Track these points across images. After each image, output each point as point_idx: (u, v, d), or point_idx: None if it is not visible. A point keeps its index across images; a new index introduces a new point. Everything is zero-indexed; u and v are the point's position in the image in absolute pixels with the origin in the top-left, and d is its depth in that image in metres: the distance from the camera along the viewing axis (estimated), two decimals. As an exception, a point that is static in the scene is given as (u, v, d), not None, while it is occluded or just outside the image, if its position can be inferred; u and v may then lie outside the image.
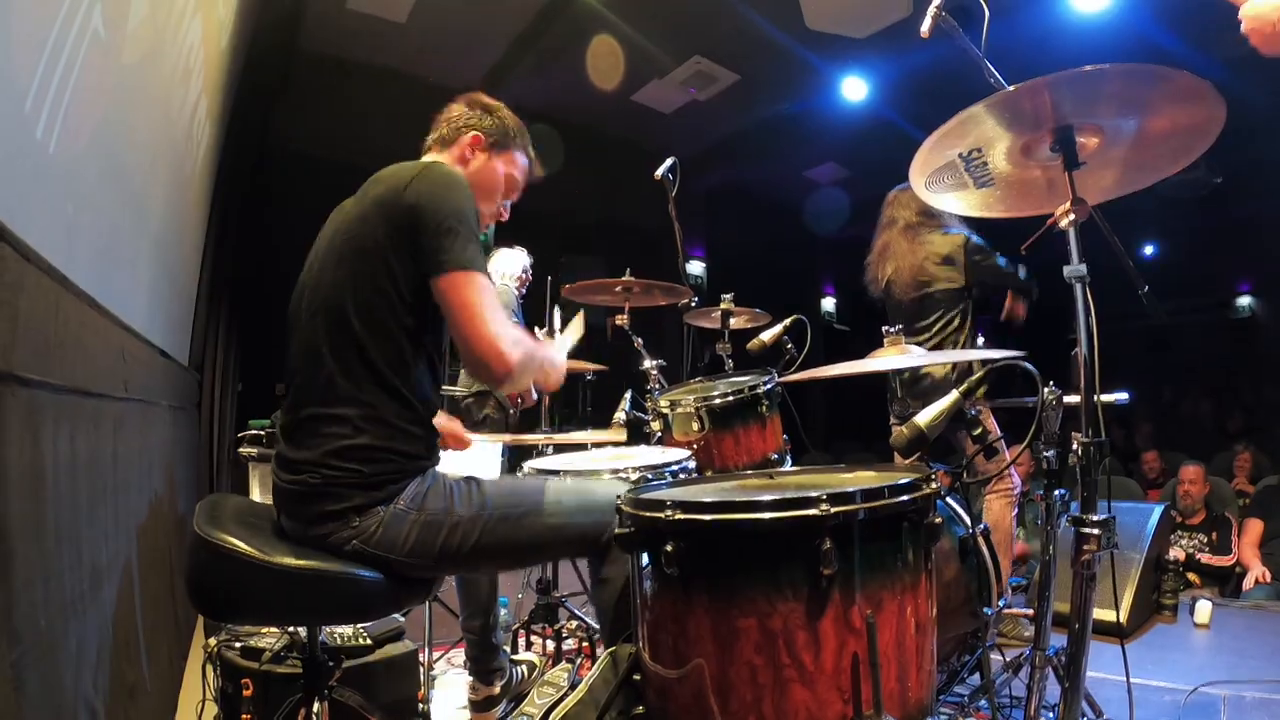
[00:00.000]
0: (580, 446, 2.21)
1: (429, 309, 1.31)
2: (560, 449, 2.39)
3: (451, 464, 1.47)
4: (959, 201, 1.65)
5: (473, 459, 1.88)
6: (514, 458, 2.27)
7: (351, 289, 1.28)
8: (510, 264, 3.60)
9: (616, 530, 1.09)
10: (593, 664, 1.25)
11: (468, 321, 1.25)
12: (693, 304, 2.71)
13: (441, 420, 1.78)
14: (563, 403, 4.11)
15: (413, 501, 1.27)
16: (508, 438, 2.19)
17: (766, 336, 2.34)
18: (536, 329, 2.37)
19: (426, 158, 1.50)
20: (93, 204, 1.46)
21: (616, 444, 2.17)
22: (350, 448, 1.25)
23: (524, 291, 3.64)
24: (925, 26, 1.66)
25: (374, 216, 1.30)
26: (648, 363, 2.38)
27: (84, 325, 1.37)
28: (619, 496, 1.13)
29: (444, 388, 2.11)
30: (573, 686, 1.25)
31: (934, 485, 1.04)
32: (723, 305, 2.51)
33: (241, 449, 2.88)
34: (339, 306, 1.28)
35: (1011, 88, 1.31)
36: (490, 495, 1.34)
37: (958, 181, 1.57)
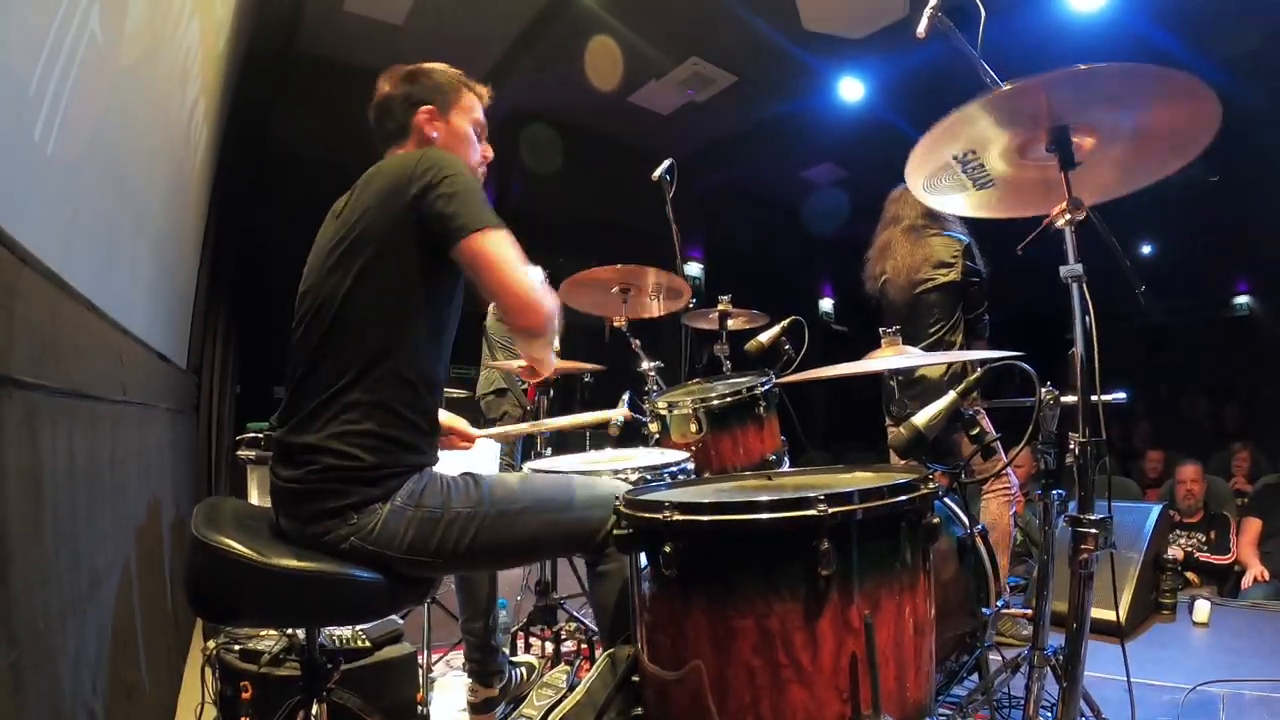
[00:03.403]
0: (580, 438, 2.20)
1: (440, 297, 1.32)
2: (559, 450, 2.39)
3: (447, 462, 1.47)
4: (960, 200, 1.64)
5: (469, 456, 1.88)
6: (519, 459, 2.27)
7: (361, 283, 1.28)
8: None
9: (615, 532, 1.09)
10: (591, 665, 1.25)
11: (502, 275, 1.25)
12: (690, 305, 2.71)
13: (446, 418, 1.78)
14: (561, 405, 4.12)
15: (410, 498, 1.27)
16: (512, 429, 2.17)
17: (764, 337, 2.34)
18: None
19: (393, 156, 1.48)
20: (90, 206, 1.46)
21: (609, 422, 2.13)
22: (353, 433, 1.25)
23: None
24: (921, 27, 1.67)
25: (375, 208, 1.31)
26: (645, 364, 2.38)
27: (81, 328, 1.37)
28: (617, 498, 1.13)
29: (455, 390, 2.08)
30: (571, 688, 1.25)
31: (932, 485, 1.04)
32: (720, 306, 2.51)
33: (240, 452, 2.87)
34: (347, 303, 1.28)
35: (1005, 85, 1.31)
36: (488, 491, 1.34)
37: (956, 183, 1.57)
